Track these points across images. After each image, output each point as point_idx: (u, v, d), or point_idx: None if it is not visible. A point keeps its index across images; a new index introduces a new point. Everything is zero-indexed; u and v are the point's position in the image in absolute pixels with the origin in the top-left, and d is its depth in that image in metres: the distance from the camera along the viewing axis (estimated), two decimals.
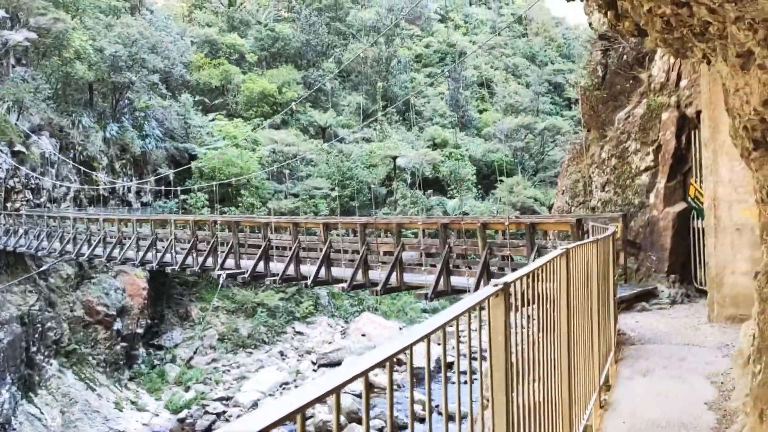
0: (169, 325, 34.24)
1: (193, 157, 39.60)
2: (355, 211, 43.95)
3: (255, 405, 29.58)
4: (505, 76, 66.05)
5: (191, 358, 33.03)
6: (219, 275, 15.89)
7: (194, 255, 17.36)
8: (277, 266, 15.48)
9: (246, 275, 15.51)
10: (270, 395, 30.03)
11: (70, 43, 30.64)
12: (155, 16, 42.51)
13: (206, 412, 28.10)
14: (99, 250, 20.62)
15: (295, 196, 41.62)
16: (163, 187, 37.22)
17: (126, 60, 32.95)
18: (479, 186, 52.19)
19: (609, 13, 7.72)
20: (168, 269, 18.52)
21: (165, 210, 36.18)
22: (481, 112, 61.98)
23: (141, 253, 18.97)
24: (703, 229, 11.89)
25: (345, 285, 13.45)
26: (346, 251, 14.71)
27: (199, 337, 33.82)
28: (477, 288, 11.62)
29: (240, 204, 37.75)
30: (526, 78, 66.42)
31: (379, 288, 12.86)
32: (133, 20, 35.69)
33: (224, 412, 28.31)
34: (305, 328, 36.77)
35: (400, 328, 37.41)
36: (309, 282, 14.09)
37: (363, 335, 36.43)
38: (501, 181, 49.53)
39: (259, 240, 15.90)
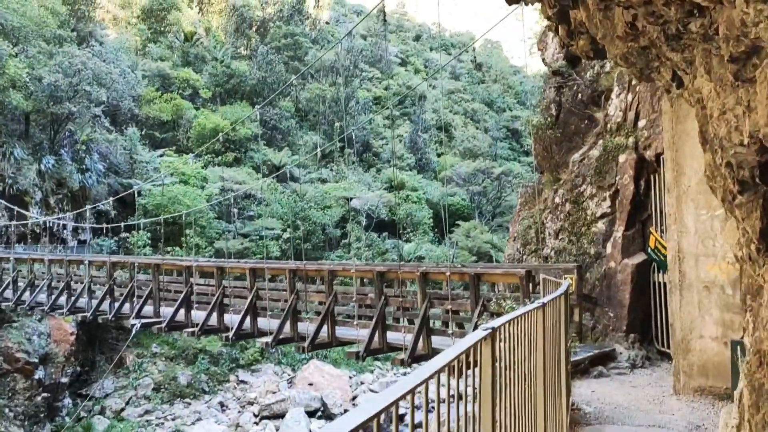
0: (100, 373, 31.65)
1: (138, 194, 37.57)
2: (307, 254, 42.28)
3: None
4: (463, 121, 66.00)
5: (122, 410, 30.45)
6: (133, 325, 14.06)
7: (110, 300, 15.49)
8: (198, 315, 13.74)
9: (163, 325, 13.71)
10: None
11: (5, 70, 28.75)
12: (105, 47, 40.83)
13: None
14: (9, 293, 18.51)
15: (245, 236, 39.79)
16: (104, 225, 35.06)
17: (66, 90, 31.13)
18: (436, 230, 51.17)
19: (561, 29, 6.45)
20: (80, 316, 16.55)
21: (102, 249, 33.97)
22: (439, 155, 61.49)
23: (54, 297, 16.97)
24: (664, 284, 10.67)
25: (270, 339, 11.79)
26: (276, 300, 13.08)
27: (133, 387, 31.31)
28: (414, 347, 10.14)
29: (185, 244, 35.74)
30: (484, 123, 66.48)
31: (306, 344, 11.24)
32: (77, 50, 33.98)
33: None
34: (249, 377, 34.52)
35: (350, 377, 35.53)
36: (231, 335, 12.39)
37: (310, 384, 34.35)
38: (458, 225, 48.61)
39: (182, 285, 14.17)
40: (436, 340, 10.32)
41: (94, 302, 15.88)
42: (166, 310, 14.24)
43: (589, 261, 11.65)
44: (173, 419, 30.16)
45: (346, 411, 30.55)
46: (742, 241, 4.86)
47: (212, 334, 13.76)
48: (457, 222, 49.47)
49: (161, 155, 41.44)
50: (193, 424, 29.73)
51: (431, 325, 10.50)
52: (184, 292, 13.74)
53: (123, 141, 39.07)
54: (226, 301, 13.33)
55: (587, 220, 11.85)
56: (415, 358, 10.07)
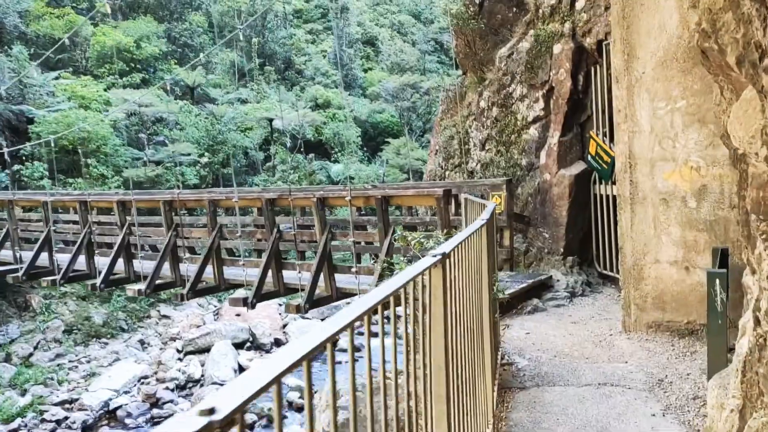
0: (3, 318, 28.85)
1: (31, 122, 33.62)
2: (227, 179, 39.53)
3: (106, 406, 25.24)
4: (390, 34, 62.72)
5: (31, 355, 27.96)
6: None
7: None
8: (64, 259, 11.33)
9: (20, 273, 11.27)
10: (126, 392, 25.72)
11: None
12: None
13: (44, 420, 23.48)
14: None
15: (158, 164, 36.55)
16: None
17: None
18: (365, 148, 48.97)
19: None
20: None
21: None
22: (366, 71, 58.50)
23: None
24: (606, 197, 8.98)
25: (143, 286, 9.60)
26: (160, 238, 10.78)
27: (41, 330, 28.72)
28: (313, 289, 8.19)
29: (88, 175, 32.41)
30: (412, 36, 63.41)
31: (186, 290, 9.13)
32: None
33: (66, 418, 23.77)
34: (172, 311, 32.28)
35: (280, 305, 33.89)
36: (99, 282, 10.12)
37: (237, 315, 32.55)
38: (387, 142, 46.53)
39: (42, 225, 11.65)
40: (341, 279, 8.40)
41: None
42: (27, 255, 11.75)
43: (520, 174, 9.83)
44: (88, 361, 27.91)
45: (276, 340, 29.00)
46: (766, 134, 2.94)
47: (80, 281, 11.41)
48: (386, 140, 47.40)
49: (56, 78, 37.09)
50: (110, 365, 27.58)
51: (333, 261, 8.52)
52: (45, 233, 11.25)
53: (9, 63, 34.53)
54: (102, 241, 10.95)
55: (517, 126, 9.93)
56: (315, 302, 8.15)
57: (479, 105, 10.59)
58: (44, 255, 11.38)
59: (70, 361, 27.76)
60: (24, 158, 32.22)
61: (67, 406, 24.41)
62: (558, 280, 8.60)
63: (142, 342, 29.87)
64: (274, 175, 41.10)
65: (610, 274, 8.82)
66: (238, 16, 50.70)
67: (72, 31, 36.30)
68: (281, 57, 51.88)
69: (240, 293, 9.28)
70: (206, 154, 38.32)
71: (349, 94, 53.61)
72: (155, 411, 25.03)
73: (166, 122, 38.50)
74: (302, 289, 8.10)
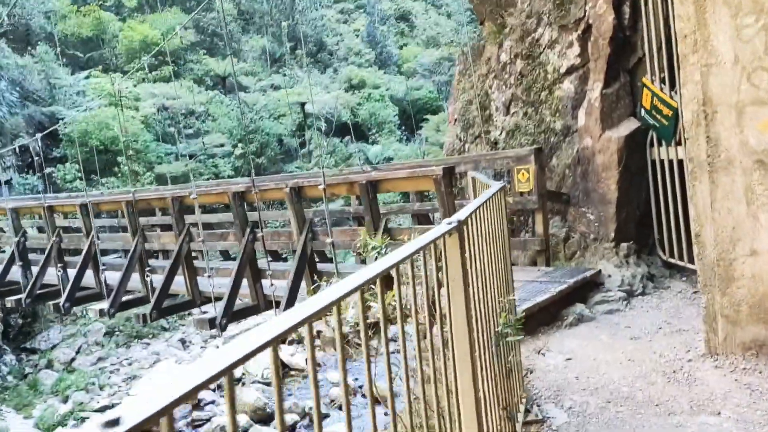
0: (44, 323, 28.34)
1: (62, 123, 32.90)
2: (264, 168, 38.23)
3: None
4: (424, 7, 60.07)
5: (73, 360, 27.40)
6: None
7: None
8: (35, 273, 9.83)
9: None
10: None
11: None
12: None
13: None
14: None
15: (191, 157, 35.44)
16: (36, 160, 30.67)
17: None
18: (403, 127, 46.87)
19: None
20: None
21: (26, 188, 29.77)
22: (401, 47, 56.14)
23: None
24: (670, 163, 6.78)
25: (106, 305, 7.97)
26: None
27: (82, 334, 28.11)
28: (290, 301, 6.34)
29: (120, 173, 31.56)
30: (446, 8, 60.51)
31: (149, 310, 7.43)
32: None
33: None
34: (212, 308, 31.32)
35: None
36: (62, 302, 8.55)
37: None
38: (426, 119, 44.25)
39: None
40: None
41: None
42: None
43: (554, 141, 7.69)
44: (129, 364, 27.11)
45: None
46: None
47: (44, 301, 9.89)
48: (425, 117, 45.12)
49: (87, 77, 36.30)
50: (151, 366, 26.74)
51: (317, 264, 6.64)
52: (15, 244, 9.77)
53: (38, 65, 33.86)
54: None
55: (548, 81, 7.77)
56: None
57: (499, 59, 8.45)
58: (14, 268, 9.91)
59: (111, 364, 26.95)
60: (57, 160, 31.61)
61: (107, 411, 23.62)
62: (609, 276, 6.49)
63: (183, 341, 28.89)
64: (310, 161, 39.53)
65: (680, 263, 6.64)
66: (266, 1, 49.17)
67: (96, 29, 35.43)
68: (313, 39, 50.04)
69: (209, 311, 7.54)
70: (239, 144, 37.03)
71: (384, 73, 51.41)
72: (196, 413, 23.86)
73: (198, 114, 37.32)
74: (277, 306, 6.29)
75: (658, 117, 6.68)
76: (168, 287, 7.54)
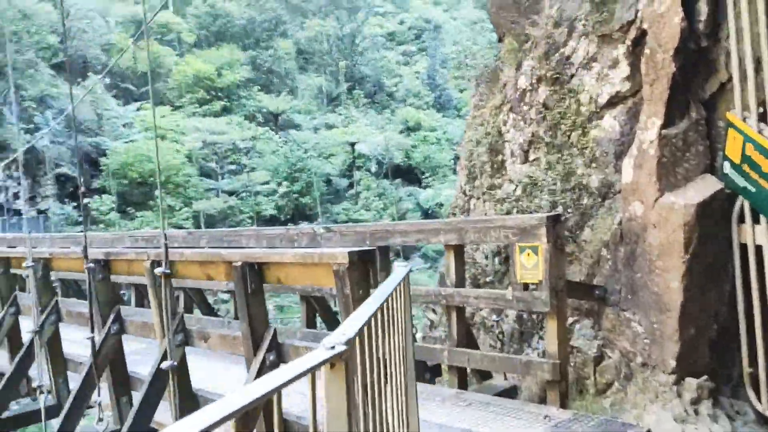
0: None
1: (104, 154, 32.35)
2: (309, 209, 36.48)
3: None
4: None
5: None
6: None
7: None
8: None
9: None
10: None
11: None
12: None
13: None
14: None
15: (231, 194, 34.14)
16: (80, 191, 29.97)
17: None
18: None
19: None
20: None
21: (61, 218, 28.94)
22: (462, 91, 54.05)
23: None
24: None
25: None
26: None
27: None
28: None
29: (155, 207, 30.40)
30: None
31: None
32: None
33: None
34: None
35: None
36: None
37: None
38: None
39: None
40: None
41: None
42: None
43: (588, 204, 5.11)
44: None
45: None
46: None
47: None
48: None
49: (137, 109, 35.90)
50: None
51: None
52: None
53: (89, 96, 33.55)
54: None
55: (581, 116, 5.23)
56: None
57: (517, 85, 5.98)
58: None
59: None
60: (96, 191, 30.83)
61: None
62: None
63: None
64: (357, 203, 37.55)
65: None
66: (327, 41, 48.36)
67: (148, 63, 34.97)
68: (371, 80, 48.70)
69: None
70: (284, 182, 35.50)
71: (443, 116, 49.35)
72: None
73: (245, 150, 36.14)
74: None
75: (753, 175, 4.03)
76: None
